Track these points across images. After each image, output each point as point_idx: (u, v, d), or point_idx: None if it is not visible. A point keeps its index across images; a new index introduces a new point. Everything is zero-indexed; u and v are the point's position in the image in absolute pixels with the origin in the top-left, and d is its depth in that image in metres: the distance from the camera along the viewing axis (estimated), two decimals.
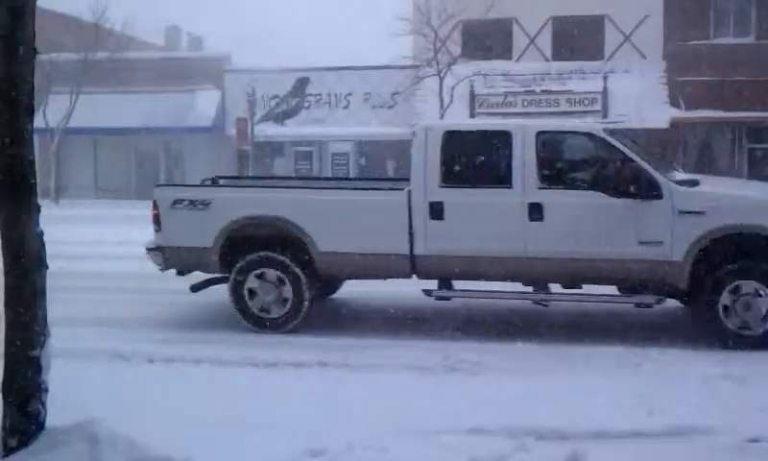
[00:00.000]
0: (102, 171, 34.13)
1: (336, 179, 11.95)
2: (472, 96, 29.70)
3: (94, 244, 16.20)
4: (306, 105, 32.59)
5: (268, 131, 31.97)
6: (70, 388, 5.15)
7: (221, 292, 8.61)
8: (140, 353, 7.11)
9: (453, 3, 28.07)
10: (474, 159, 8.17)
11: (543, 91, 29.56)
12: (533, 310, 8.88)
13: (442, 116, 28.62)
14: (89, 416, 4.47)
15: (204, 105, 32.62)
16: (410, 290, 10.68)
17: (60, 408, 4.49)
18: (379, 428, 4.99)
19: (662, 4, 29.89)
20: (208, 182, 9.96)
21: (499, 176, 7.91)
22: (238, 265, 8.20)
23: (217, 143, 32.92)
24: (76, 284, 10.20)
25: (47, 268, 4.44)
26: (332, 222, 8.09)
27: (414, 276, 8.18)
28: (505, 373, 6.41)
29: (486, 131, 8.48)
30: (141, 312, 9.22)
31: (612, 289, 8.09)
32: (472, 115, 29.91)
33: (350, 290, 9.88)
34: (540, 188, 7.71)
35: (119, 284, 11.33)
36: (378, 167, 32.49)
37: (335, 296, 10.04)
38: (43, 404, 4.44)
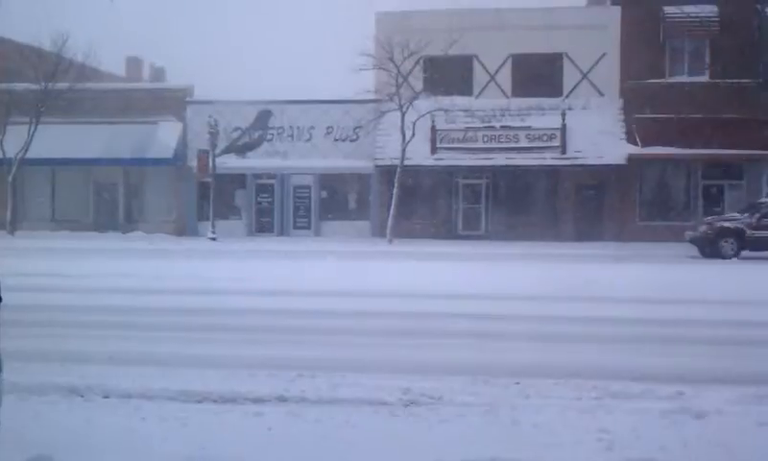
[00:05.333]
0: (59, 202, 33.65)
1: None
2: (434, 131, 29.99)
3: (50, 276, 15.92)
4: (269, 137, 32.59)
5: (229, 163, 31.87)
6: (22, 424, 5.03)
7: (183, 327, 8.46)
8: (95, 388, 6.96)
9: (415, 39, 28.44)
10: None
11: (503, 127, 29.97)
12: (494, 342, 8.92)
13: (403, 150, 28.83)
14: (40, 453, 4.36)
15: (165, 136, 32.43)
16: (369, 323, 10.67)
17: (11, 445, 4.37)
18: None
19: (619, 43, 30.56)
20: None
21: None
22: None
23: (178, 175, 32.72)
24: (31, 318, 10.00)
25: (1, 300, 4.35)
26: None
27: None
28: (465, 406, 6.40)
29: None
30: (98, 346, 9.05)
31: None
32: (434, 150, 30.18)
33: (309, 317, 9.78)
34: None
35: (75, 318, 11.13)
36: (340, 200, 32.56)
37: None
38: None
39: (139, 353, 8.70)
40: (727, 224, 23.05)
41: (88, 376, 7.39)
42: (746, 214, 23.36)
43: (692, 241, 23.51)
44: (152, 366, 7.94)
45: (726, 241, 22.61)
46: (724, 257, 22.29)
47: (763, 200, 24.62)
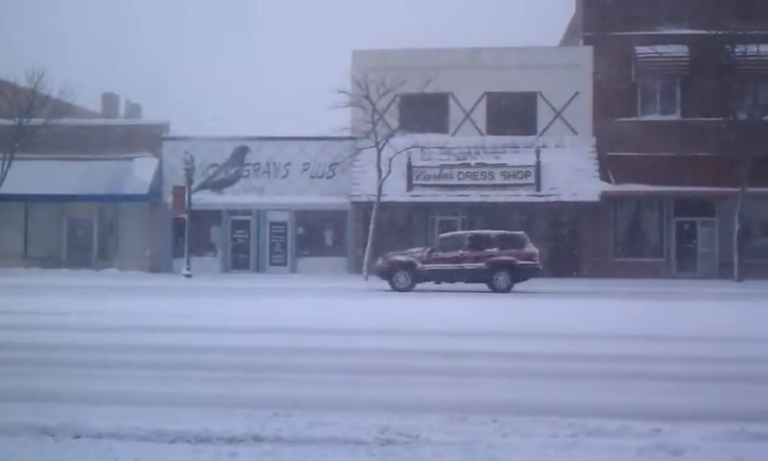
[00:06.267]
0: (32, 239, 33.28)
1: None
2: (410, 168, 30.14)
3: (21, 314, 15.70)
4: (245, 173, 32.56)
5: (205, 199, 31.77)
6: None
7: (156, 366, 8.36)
8: (67, 428, 6.84)
9: (392, 77, 28.68)
10: None
11: (478, 164, 30.20)
12: (471, 379, 8.88)
13: (380, 187, 28.92)
14: None
15: (140, 172, 32.28)
16: (346, 360, 10.60)
17: None
18: None
19: (592, 82, 31.02)
20: None
21: None
22: None
23: (153, 211, 32.57)
24: (1, 356, 9.83)
25: None
26: None
27: None
28: (442, 445, 6.36)
29: None
30: (70, 385, 8.90)
31: None
32: (410, 186, 30.30)
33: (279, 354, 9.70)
34: None
35: (46, 356, 10.95)
36: (316, 236, 32.51)
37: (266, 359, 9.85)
38: None
39: (112, 392, 8.57)
40: (400, 258, 24.33)
41: (60, 415, 7.26)
42: (421, 248, 24.83)
43: (378, 274, 24.73)
44: (124, 405, 7.82)
45: (400, 274, 23.78)
46: (398, 289, 23.53)
47: (441, 235, 25.85)
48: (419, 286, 23.75)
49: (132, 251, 32.98)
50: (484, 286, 23.65)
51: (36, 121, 30.76)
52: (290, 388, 8.80)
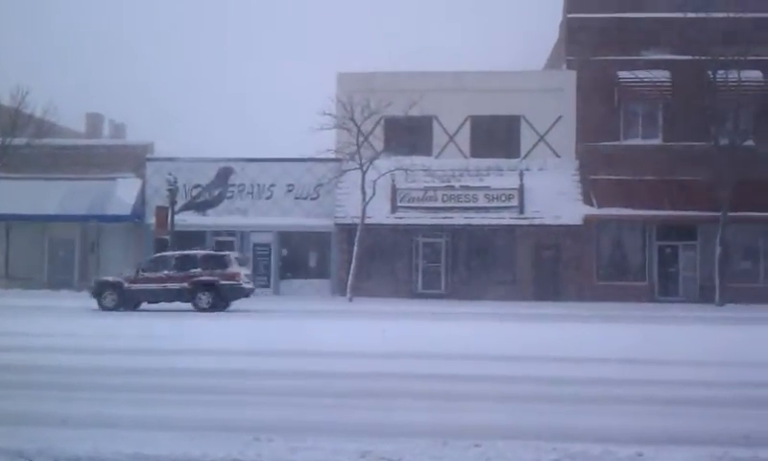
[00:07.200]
0: (13, 258, 33.01)
1: None
2: (394, 190, 30.20)
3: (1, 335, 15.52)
4: (229, 195, 32.51)
5: (189, 220, 31.64)
6: None
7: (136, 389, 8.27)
8: (46, 453, 6.75)
9: (376, 100, 28.78)
10: None
11: (462, 187, 30.31)
12: (453, 403, 8.86)
13: (364, 209, 28.94)
14: None
15: (123, 193, 32.16)
16: (328, 384, 10.54)
17: None
18: None
19: (575, 106, 31.27)
20: None
21: None
22: None
23: (136, 231, 32.43)
24: None
25: None
26: None
27: None
28: None
29: None
30: (50, 408, 8.80)
31: None
32: (394, 208, 30.34)
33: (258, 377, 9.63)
34: None
35: (26, 378, 10.84)
36: (300, 258, 32.44)
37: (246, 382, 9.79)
38: None
39: (90, 415, 8.48)
40: (107, 278, 24.87)
41: (38, 439, 7.17)
42: (132, 269, 25.36)
43: (89, 293, 24.83)
44: (103, 428, 7.74)
45: (107, 294, 23.94)
46: (105, 309, 23.55)
47: (151, 256, 26.51)
48: (146, 306, 23.86)
49: (114, 271, 32.66)
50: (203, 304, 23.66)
51: (18, 140, 30.62)
52: None
